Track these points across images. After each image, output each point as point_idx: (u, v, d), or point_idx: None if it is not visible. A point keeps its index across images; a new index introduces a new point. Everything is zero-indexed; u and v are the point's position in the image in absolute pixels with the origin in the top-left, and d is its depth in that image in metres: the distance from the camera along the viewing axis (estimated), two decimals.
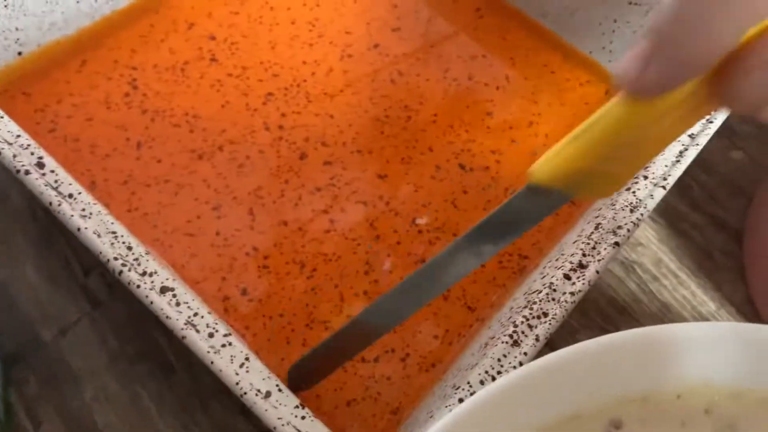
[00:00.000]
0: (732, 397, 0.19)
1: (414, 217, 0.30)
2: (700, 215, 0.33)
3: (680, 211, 0.32)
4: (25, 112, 0.30)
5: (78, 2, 0.31)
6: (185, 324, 0.21)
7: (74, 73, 0.31)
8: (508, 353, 0.22)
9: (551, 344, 0.22)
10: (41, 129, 0.30)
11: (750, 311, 0.30)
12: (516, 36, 0.35)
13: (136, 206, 0.28)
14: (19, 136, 0.24)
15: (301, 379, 0.24)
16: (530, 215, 0.19)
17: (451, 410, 0.16)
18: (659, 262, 0.31)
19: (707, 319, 0.30)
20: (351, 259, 0.28)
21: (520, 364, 0.21)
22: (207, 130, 0.31)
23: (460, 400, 0.21)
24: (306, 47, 0.34)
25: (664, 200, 0.33)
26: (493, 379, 0.21)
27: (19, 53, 0.30)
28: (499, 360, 0.21)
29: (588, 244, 0.24)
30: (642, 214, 0.25)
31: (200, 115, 0.31)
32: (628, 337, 0.18)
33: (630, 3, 0.32)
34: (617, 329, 0.29)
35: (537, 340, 0.22)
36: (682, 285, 0.30)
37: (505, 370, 0.21)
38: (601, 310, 0.30)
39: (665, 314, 0.30)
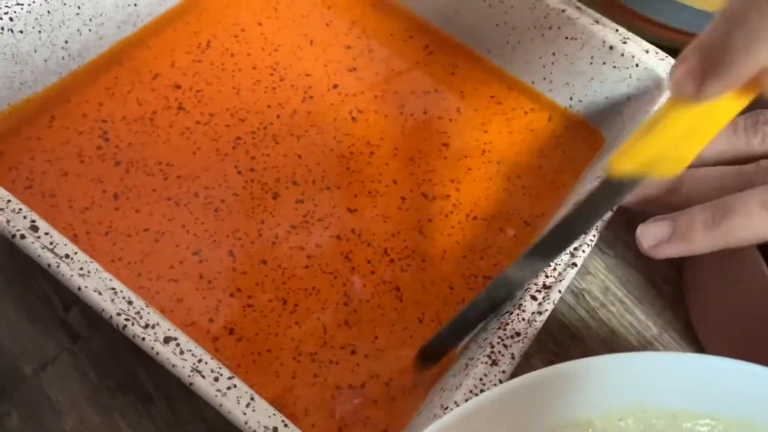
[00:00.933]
0: (668, 419, 0.21)
1: (385, 247, 0.32)
2: None
3: (626, 241, 0.35)
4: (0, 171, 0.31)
5: (46, 60, 0.32)
6: (191, 371, 0.22)
7: (45, 129, 0.32)
8: (488, 372, 0.24)
9: None
10: (17, 186, 0.30)
11: (690, 336, 0.33)
12: (464, 70, 0.38)
13: (119, 256, 0.30)
14: (9, 201, 0.25)
15: (430, 357, 0.28)
16: (603, 208, 0.24)
17: None
18: (607, 290, 0.34)
19: (651, 343, 0.33)
20: (330, 291, 0.30)
21: (500, 381, 0.24)
22: (181, 178, 0.32)
23: None
24: (269, 91, 0.35)
25: (611, 231, 0.36)
26: (476, 397, 0.23)
27: None
28: (480, 379, 0.24)
29: (549, 266, 0.27)
30: (594, 236, 0.27)
31: (173, 164, 0.32)
32: (573, 368, 0.20)
33: (566, 38, 0.35)
34: (568, 354, 0.32)
35: (513, 357, 0.24)
36: (628, 311, 0.33)
37: (487, 388, 0.23)
38: (553, 336, 0.32)
39: (613, 339, 0.33)
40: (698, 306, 0.33)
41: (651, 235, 0.25)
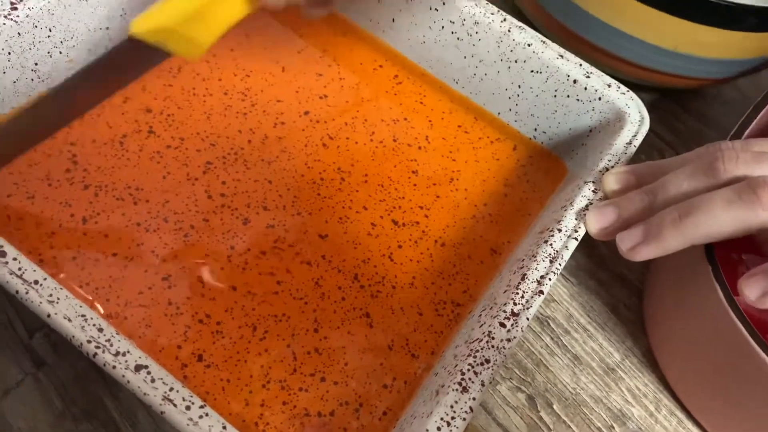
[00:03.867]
0: None
1: (355, 273, 0.32)
2: (607, 273, 0.37)
3: (589, 269, 0.36)
4: None
5: (15, 82, 0.31)
6: (163, 399, 0.22)
7: None
8: (459, 399, 0.24)
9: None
10: None
11: (651, 362, 0.34)
12: (432, 100, 0.39)
13: (87, 281, 0.29)
14: None
15: None
16: (132, 65, 0.27)
17: None
18: (570, 317, 0.35)
19: (614, 369, 0.34)
20: (300, 318, 0.30)
21: (470, 408, 0.24)
22: (150, 202, 0.32)
23: None
24: (240, 116, 0.36)
25: (574, 260, 0.37)
26: (448, 425, 0.24)
27: None
28: (451, 406, 0.24)
29: (517, 293, 0.27)
30: (560, 264, 0.28)
31: (143, 188, 0.32)
32: None
33: (532, 71, 0.36)
34: (534, 380, 0.32)
35: (483, 384, 0.25)
36: (591, 338, 0.34)
37: (458, 416, 0.24)
38: (519, 363, 0.33)
39: (576, 365, 0.33)
40: (658, 333, 0.34)
41: (628, 239, 0.26)
